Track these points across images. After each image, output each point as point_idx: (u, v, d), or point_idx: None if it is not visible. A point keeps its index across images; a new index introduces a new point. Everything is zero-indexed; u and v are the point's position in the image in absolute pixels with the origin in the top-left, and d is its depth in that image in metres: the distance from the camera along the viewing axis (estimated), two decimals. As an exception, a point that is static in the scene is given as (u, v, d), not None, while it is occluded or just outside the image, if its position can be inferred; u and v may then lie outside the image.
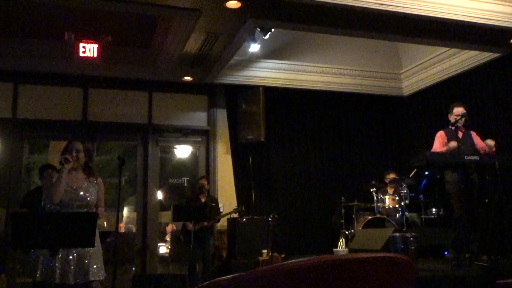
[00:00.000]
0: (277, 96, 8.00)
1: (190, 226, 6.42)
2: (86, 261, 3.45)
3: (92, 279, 3.46)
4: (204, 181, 6.78)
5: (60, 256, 3.36)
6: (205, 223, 6.37)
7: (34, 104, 7.15)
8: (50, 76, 7.15)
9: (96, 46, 6.42)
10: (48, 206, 3.53)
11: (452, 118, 5.39)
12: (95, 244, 3.52)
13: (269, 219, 6.70)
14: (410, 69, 8.39)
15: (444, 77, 7.71)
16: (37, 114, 7.12)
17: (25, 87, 7.17)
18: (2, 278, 5.96)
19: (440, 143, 5.39)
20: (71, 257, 3.41)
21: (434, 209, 6.60)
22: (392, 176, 7.16)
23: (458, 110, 5.39)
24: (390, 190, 7.14)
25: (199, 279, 6.20)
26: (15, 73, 7.00)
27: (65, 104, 7.29)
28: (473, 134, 5.59)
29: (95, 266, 3.49)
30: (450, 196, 5.31)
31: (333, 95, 8.32)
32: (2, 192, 6.93)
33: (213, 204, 6.67)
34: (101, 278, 3.55)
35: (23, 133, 7.17)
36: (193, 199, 6.77)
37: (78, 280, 3.41)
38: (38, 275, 3.33)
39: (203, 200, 6.67)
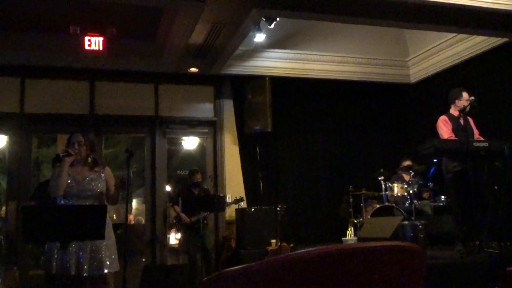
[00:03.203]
0: (284, 86, 7.97)
1: (186, 219, 6.45)
2: (101, 254, 3.48)
3: (107, 271, 3.49)
4: (199, 176, 6.78)
5: (74, 249, 3.39)
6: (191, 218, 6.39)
7: (41, 99, 7.18)
8: (56, 70, 7.17)
9: (101, 39, 6.42)
10: (57, 199, 3.56)
11: (460, 104, 5.30)
12: (110, 237, 3.56)
13: (277, 209, 6.71)
14: (417, 56, 8.32)
15: (452, 64, 7.64)
16: (44, 109, 7.15)
17: (32, 81, 7.19)
18: (14, 270, 6.03)
19: (448, 128, 5.30)
20: (85, 249, 3.44)
21: (443, 197, 6.57)
22: (407, 163, 7.09)
23: (467, 95, 5.31)
24: (407, 177, 7.08)
25: (203, 270, 6.24)
26: (21, 67, 7.03)
27: (72, 98, 7.31)
28: (471, 120, 5.52)
29: (109, 259, 3.52)
30: (446, 185, 5.27)
31: (340, 83, 8.28)
32: (12, 186, 7.00)
33: (220, 195, 6.70)
34: (115, 270, 3.59)
35: (31, 128, 7.21)
36: (186, 191, 6.75)
37: (93, 272, 3.45)
38: (53, 268, 3.36)
39: (196, 192, 6.69)
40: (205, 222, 6.69)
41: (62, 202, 3.55)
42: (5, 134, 7.22)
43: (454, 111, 5.38)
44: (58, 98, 7.24)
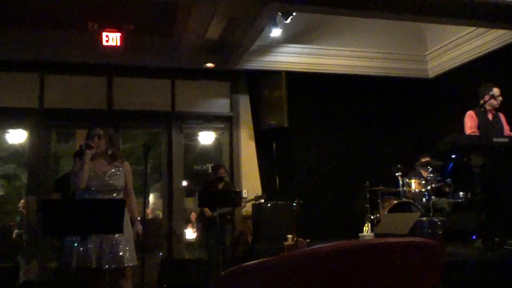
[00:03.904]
0: (300, 81, 7.94)
1: (208, 212, 6.49)
2: (120, 247, 3.52)
3: (126, 265, 3.53)
4: (223, 170, 6.82)
5: (95, 242, 3.44)
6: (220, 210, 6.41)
7: (60, 94, 7.28)
8: (75, 66, 7.25)
9: (119, 35, 6.47)
10: (77, 192, 3.61)
11: (488, 98, 5.19)
12: (128, 231, 3.60)
13: (294, 204, 6.71)
14: (435, 50, 8.20)
15: (471, 58, 7.51)
16: (63, 104, 7.25)
17: (51, 77, 7.29)
18: (34, 263, 6.15)
19: (472, 123, 5.22)
20: (105, 243, 3.49)
21: (461, 193, 6.50)
22: (426, 159, 7.02)
23: (497, 90, 5.22)
24: (425, 174, 7.01)
25: (220, 265, 6.28)
26: (41, 63, 7.13)
27: (90, 93, 7.40)
28: (502, 116, 5.43)
29: (128, 253, 3.56)
30: (475, 180, 5.21)
31: (357, 78, 8.21)
32: (32, 180, 7.13)
33: (237, 190, 6.72)
34: (134, 263, 3.63)
35: (50, 123, 7.31)
36: (211, 186, 6.82)
37: (112, 266, 3.49)
38: (73, 261, 3.41)
39: (220, 187, 6.72)
40: (228, 217, 6.72)
41: (82, 195, 3.60)
42: (25, 129, 7.34)
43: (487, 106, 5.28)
44: (77, 94, 7.33)
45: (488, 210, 4.99)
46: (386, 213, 6.57)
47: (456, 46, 7.77)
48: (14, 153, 11.04)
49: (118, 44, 6.45)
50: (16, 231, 7.40)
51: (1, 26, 6.66)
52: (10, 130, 7.56)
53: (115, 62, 7.19)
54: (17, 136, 7.68)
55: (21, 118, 7.19)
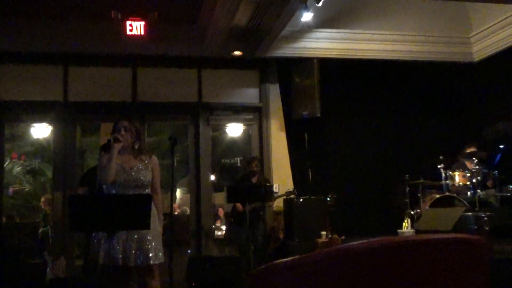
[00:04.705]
0: (333, 68, 7.86)
1: (240, 207, 6.52)
2: (147, 244, 3.58)
3: (153, 262, 3.60)
4: (256, 163, 6.85)
5: (122, 239, 3.51)
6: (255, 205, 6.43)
7: (84, 87, 7.43)
8: (99, 57, 7.39)
9: (143, 23, 6.56)
10: (104, 187, 3.69)
11: None
12: (155, 227, 3.66)
13: (327, 199, 6.69)
14: (480, 32, 7.97)
15: (521, 39, 7.28)
16: (87, 96, 7.40)
17: (75, 69, 7.46)
18: (61, 260, 6.34)
19: None
20: (132, 240, 3.55)
21: (510, 186, 6.33)
22: (471, 149, 6.86)
23: None
24: (470, 165, 6.86)
25: (251, 262, 6.32)
26: (64, 55, 7.29)
27: (114, 85, 7.53)
28: None
29: (155, 250, 3.62)
30: None
31: (394, 64, 8.07)
32: (58, 176, 7.33)
33: (268, 184, 6.74)
34: (161, 261, 3.69)
35: (74, 116, 7.48)
36: (244, 180, 6.86)
37: (139, 263, 3.57)
38: (100, 258, 3.49)
39: (254, 181, 6.75)
40: (261, 213, 6.75)
41: (109, 190, 3.67)
42: (50, 123, 7.55)
43: None
44: (101, 86, 7.47)
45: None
46: (427, 208, 6.48)
47: (503, 27, 7.53)
48: (39, 148, 11.40)
49: (142, 33, 6.54)
50: (42, 228, 7.64)
51: (24, 17, 6.86)
52: (35, 124, 7.79)
53: (139, 52, 7.29)
54: (41, 131, 7.92)
55: (45, 112, 7.38)
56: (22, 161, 11.41)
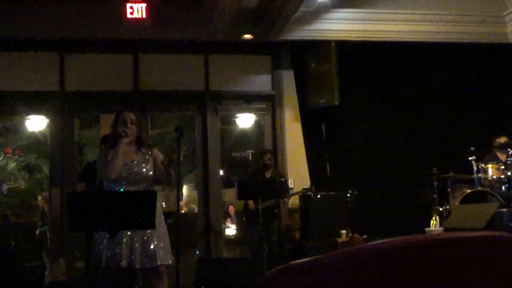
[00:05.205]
0: (353, 52, 7.83)
1: (252, 205, 6.54)
2: (153, 244, 3.61)
3: (160, 263, 3.63)
4: (269, 157, 6.85)
5: (126, 239, 3.54)
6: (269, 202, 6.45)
7: (82, 75, 7.48)
8: (97, 43, 7.43)
9: (144, 5, 6.58)
10: (104, 183, 3.72)
11: None
12: (161, 226, 3.69)
13: (348, 195, 6.68)
14: (516, 9, 7.90)
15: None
16: (86, 86, 7.45)
17: (72, 56, 7.50)
18: (61, 262, 6.41)
19: None
20: (136, 239, 3.58)
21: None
22: (503, 139, 6.82)
23: None
24: (502, 157, 6.81)
25: (265, 264, 6.34)
26: (60, 41, 7.34)
27: (114, 73, 7.57)
28: None
29: (162, 250, 3.65)
30: None
31: (420, 46, 8.01)
32: (55, 172, 7.40)
33: (282, 179, 6.74)
34: (169, 262, 3.72)
35: (72, 107, 7.54)
36: (257, 175, 6.88)
37: (145, 265, 3.60)
38: (103, 260, 3.52)
39: (268, 176, 6.76)
40: (276, 211, 6.76)
41: (109, 186, 3.70)
42: (46, 115, 7.62)
43: None
44: (100, 74, 7.51)
45: None
46: (457, 204, 6.46)
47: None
48: (35, 142, 11.51)
49: (144, 16, 6.56)
50: (39, 227, 7.73)
51: (15, 1, 6.88)
52: (29, 117, 7.85)
53: (141, 37, 7.32)
54: (37, 123, 7.98)
55: (40, 103, 7.46)
56: (17, 156, 11.53)
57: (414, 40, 7.88)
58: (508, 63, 8.32)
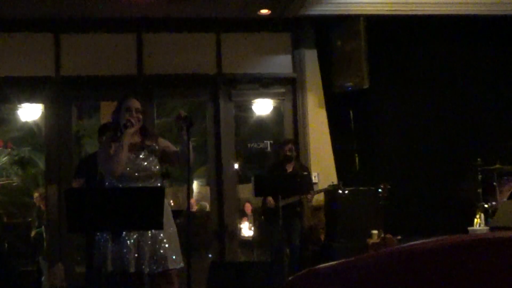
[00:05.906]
0: (384, 28, 7.78)
1: (271, 202, 6.55)
2: (162, 247, 3.64)
3: (170, 267, 3.66)
4: (290, 147, 6.85)
5: (133, 241, 3.57)
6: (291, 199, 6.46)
7: (79, 58, 7.53)
8: (96, 22, 7.48)
9: (148, -21, 6.59)
10: (107, 181, 3.75)
11: None
12: (170, 226, 3.72)
13: (379, 190, 6.66)
14: None
15: None
16: (84, 70, 7.50)
17: (68, 37, 7.56)
18: (59, 267, 6.49)
19: None
20: (144, 242, 3.59)
21: None
22: None
23: None
24: None
25: (286, 268, 6.36)
26: (55, 20, 7.40)
27: (116, 56, 7.61)
28: None
29: (172, 252, 3.68)
30: None
31: (461, 20, 7.92)
32: (52, 166, 7.48)
33: (305, 173, 6.74)
34: (180, 265, 3.75)
35: (69, 94, 7.61)
36: (277, 168, 6.88)
37: (154, 269, 3.63)
38: (108, 264, 3.55)
39: (289, 169, 6.76)
40: (298, 209, 6.77)
41: (112, 183, 3.73)
42: (40, 103, 7.69)
43: None
44: (100, 57, 7.56)
45: None
46: (504, 200, 6.42)
47: None
48: (28, 133, 11.64)
49: (148, -9, 6.56)
50: (35, 228, 7.83)
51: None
52: (22, 105, 7.94)
53: (145, 15, 7.34)
54: (30, 113, 8.08)
55: (34, 90, 7.52)
56: (9, 149, 11.63)
57: (452, 13, 7.78)
58: None
